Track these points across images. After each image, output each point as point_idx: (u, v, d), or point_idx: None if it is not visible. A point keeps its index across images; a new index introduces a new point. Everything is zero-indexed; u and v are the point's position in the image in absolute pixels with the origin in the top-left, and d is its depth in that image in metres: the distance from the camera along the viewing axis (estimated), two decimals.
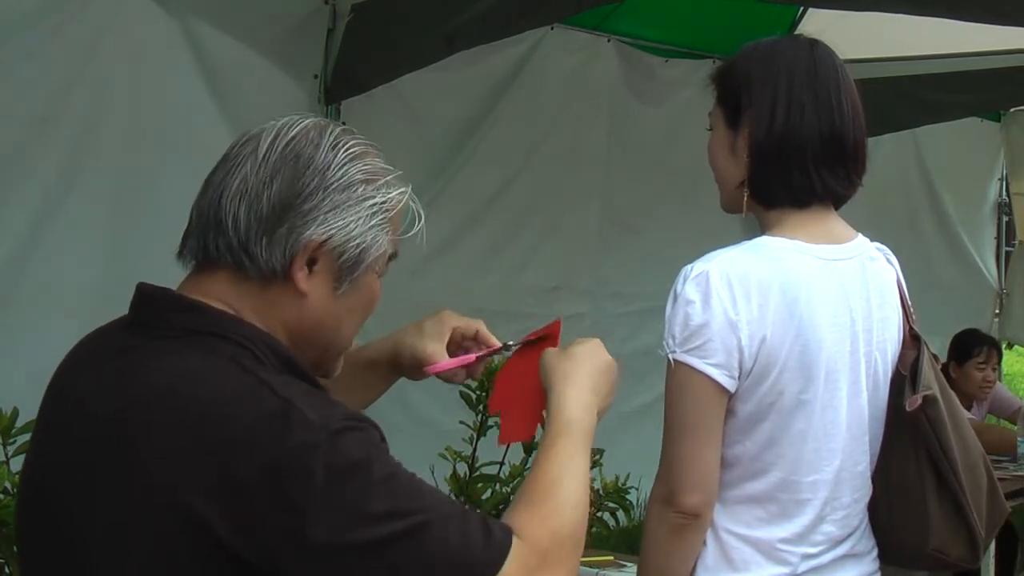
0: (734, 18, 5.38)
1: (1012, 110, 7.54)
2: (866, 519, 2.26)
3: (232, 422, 1.48)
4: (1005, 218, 8.05)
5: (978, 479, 2.28)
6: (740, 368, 2.07)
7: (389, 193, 1.64)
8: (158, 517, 1.48)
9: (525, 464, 4.59)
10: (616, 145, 6.06)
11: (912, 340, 2.25)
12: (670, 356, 2.08)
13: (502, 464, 4.59)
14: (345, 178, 1.61)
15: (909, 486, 2.25)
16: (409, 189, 1.68)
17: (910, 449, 2.23)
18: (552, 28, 5.49)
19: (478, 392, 4.48)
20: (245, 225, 1.58)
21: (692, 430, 2.08)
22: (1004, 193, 8.01)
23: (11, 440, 3.45)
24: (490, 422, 4.54)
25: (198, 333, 1.57)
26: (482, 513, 1.56)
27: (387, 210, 1.64)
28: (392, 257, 1.70)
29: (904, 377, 2.22)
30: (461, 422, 4.28)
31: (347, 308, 1.67)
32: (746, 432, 2.11)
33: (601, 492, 4.70)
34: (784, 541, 2.14)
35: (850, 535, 2.22)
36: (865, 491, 2.24)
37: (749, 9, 5.13)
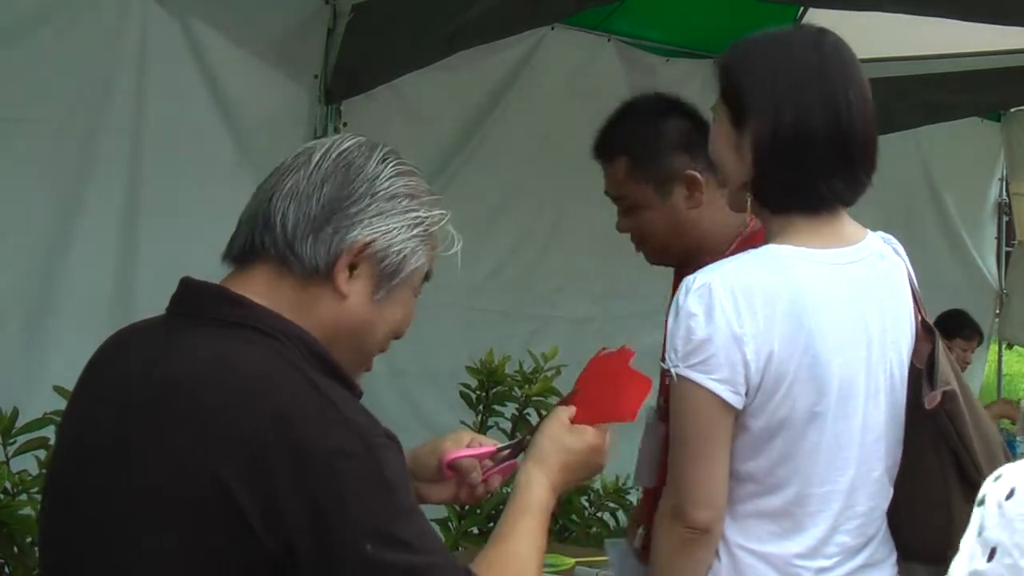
0: (734, 18, 5.37)
1: (1012, 110, 7.53)
2: (884, 526, 2.20)
3: (272, 409, 1.53)
4: (1005, 218, 8.04)
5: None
6: (747, 384, 2.01)
7: (432, 211, 1.72)
8: (190, 488, 1.52)
9: None
10: None
11: (925, 332, 2.19)
12: (673, 371, 2.03)
13: None
14: (392, 188, 1.68)
15: (931, 484, 2.19)
16: (449, 214, 1.75)
17: (930, 445, 2.17)
18: (552, 28, 5.48)
19: (478, 392, 4.49)
20: (293, 223, 1.64)
21: (698, 445, 2.04)
22: (1004, 193, 7.99)
23: (11, 440, 3.45)
24: (490, 422, 4.55)
25: (241, 326, 1.62)
26: (465, 568, 1.61)
27: (428, 225, 1.71)
28: (427, 277, 1.76)
29: (920, 371, 2.16)
30: (462, 422, 4.28)
31: (382, 317, 1.72)
32: (759, 448, 2.06)
33: (601, 492, 4.70)
34: (798, 556, 2.09)
35: (867, 544, 2.16)
36: (881, 497, 2.18)
37: (749, 9, 5.12)
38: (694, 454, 2.04)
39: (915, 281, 2.22)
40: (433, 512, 4.49)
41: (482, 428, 4.51)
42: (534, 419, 4.58)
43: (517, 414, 4.57)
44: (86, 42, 4.08)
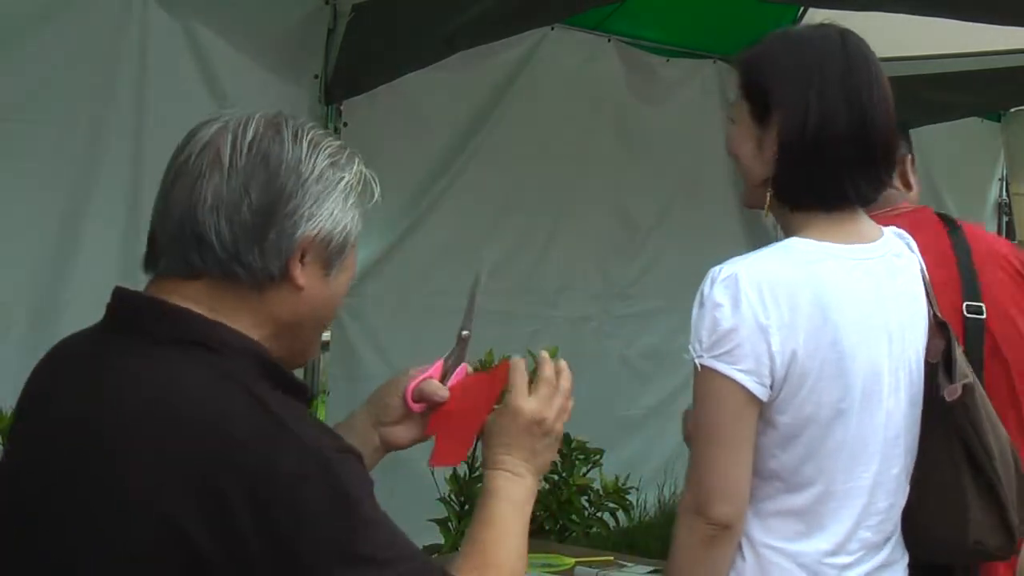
0: (734, 18, 5.37)
1: (1012, 110, 7.53)
2: (899, 526, 2.19)
3: (221, 438, 1.47)
4: (1005, 218, 8.04)
5: (1008, 466, 2.22)
6: (772, 376, 1.99)
7: (352, 168, 1.65)
8: (138, 527, 1.46)
9: None
10: (619, 145, 6.05)
11: (938, 328, 2.18)
12: (697, 361, 2.00)
13: None
14: (317, 167, 1.60)
15: (946, 479, 2.17)
16: (360, 157, 1.69)
17: (943, 441, 2.16)
18: (552, 28, 5.49)
19: None
20: (231, 238, 1.55)
21: (721, 438, 2.01)
22: (1004, 193, 8.00)
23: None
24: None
25: (181, 342, 1.54)
26: (441, 567, 1.59)
27: (355, 185, 1.65)
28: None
29: (933, 366, 2.15)
30: None
31: (337, 289, 1.67)
32: (785, 445, 2.04)
33: (601, 492, 4.70)
34: (823, 553, 2.07)
35: (886, 541, 2.15)
36: (900, 495, 2.17)
37: (749, 9, 5.12)
38: (718, 447, 2.02)
39: (928, 278, 2.22)
40: (433, 512, 4.51)
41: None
42: None
43: None
44: (87, 43, 4.08)
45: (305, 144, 1.60)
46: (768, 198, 2.12)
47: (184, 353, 1.53)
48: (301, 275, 1.59)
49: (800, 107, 2.06)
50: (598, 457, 4.71)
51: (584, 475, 4.61)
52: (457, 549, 4.27)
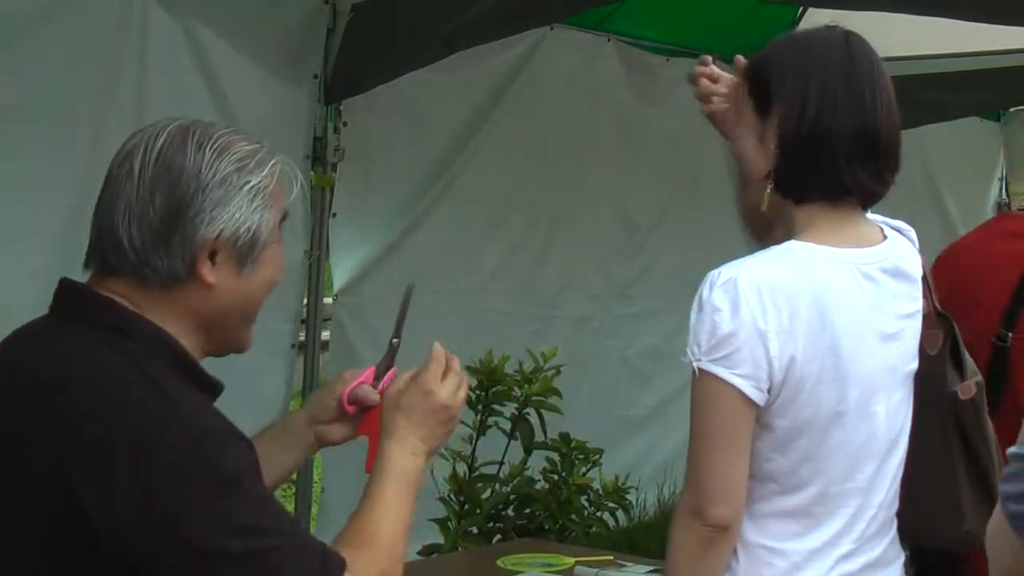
0: (734, 18, 5.37)
1: (1012, 110, 7.54)
2: (895, 525, 2.21)
3: (115, 402, 1.62)
4: None
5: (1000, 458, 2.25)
6: (770, 380, 2.00)
7: (262, 172, 1.76)
8: (37, 483, 1.61)
9: (524, 464, 4.59)
10: (619, 145, 6.05)
11: (939, 320, 2.20)
12: (695, 365, 2.01)
13: (502, 464, 4.60)
14: (218, 174, 1.73)
15: (939, 470, 2.20)
16: (279, 157, 1.80)
17: (940, 432, 2.19)
18: (552, 28, 5.49)
19: (478, 392, 4.49)
20: (140, 242, 1.72)
21: (719, 441, 2.02)
22: (1004, 193, 8.00)
23: None
24: (489, 422, 4.55)
25: (105, 327, 1.71)
26: (322, 545, 1.69)
27: (264, 187, 1.76)
28: (283, 220, 1.82)
29: (932, 358, 2.17)
30: (461, 422, 4.27)
31: (255, 284, 1.79)
32: (783, 449, 2.05)
33: (601, 492, 4.70)
34: (817, 552, 2.09)
35: (881, 540, 2.17)
36: (895, 493, 2.18)
37: (749, 9, 5.13)
38: (715, 450, 2.03)
39: (928, 272, 2.23)
40: (433, 512, 4.52)
41: (482, 428, 4.51)
42: (534, 419, 4.59)
43: (517, 414, 4.57)
44: (87, 43, 4.08)
45: (208, 152, 1.73)
46: (767, 194, 2.13)
47: (102, 336, 1.70)
48: (210, 273, 1.73)
49: (799, 98, 2.08)
50: (597, 457, 4.71)
51: (584, 475, 4.61)
52: (457, 548, 4.26)
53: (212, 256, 1.73)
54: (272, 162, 1.78)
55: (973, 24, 4.40)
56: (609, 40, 5.83)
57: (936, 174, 7.46)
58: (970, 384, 2.16)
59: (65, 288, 1.81)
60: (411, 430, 1.87)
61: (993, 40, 5.23)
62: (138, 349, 1.68)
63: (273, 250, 1.80)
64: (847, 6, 4.20)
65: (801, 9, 5.46)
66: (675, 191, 6.21)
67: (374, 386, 2.03)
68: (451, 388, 1.92)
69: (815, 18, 5.18)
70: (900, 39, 5.32)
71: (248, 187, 1.74)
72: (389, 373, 2.04)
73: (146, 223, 1.71)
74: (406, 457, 1.86)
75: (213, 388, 1.78)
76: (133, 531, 1.57)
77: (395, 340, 2.07)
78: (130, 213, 1.72)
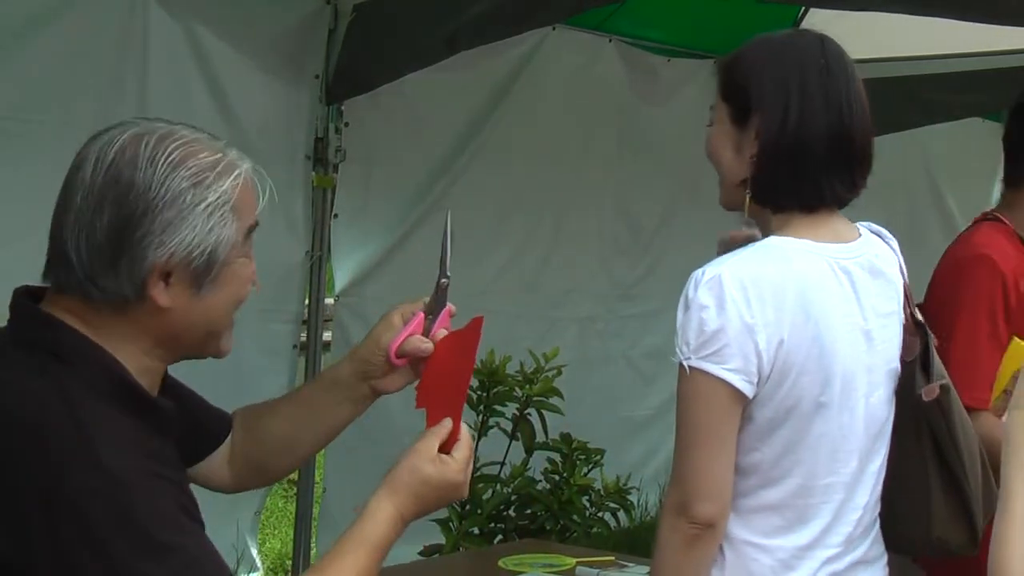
0: (735, 18, 5.37)
1: None
2: (878, 522, 2.23)
3: (27, 442, 1.51)
4: None
5: (976, 465, 2.27)
6: (759, 373, 2.03)
7: (222, 186, 1.63)
8: None
9: (525, 464, 4.60)
10: (621, 145, 6.05)
11: (915, 327, 2.23)
12: (684, 363, 2.03)
13: (503, 464, 4.60)
14: (170, 193, 1.59)
15: (912, 475, 2.22)
16: (245, 166, 1.67)
17: (914, 437, 2.22)
18: (553, 29, 5.48)
19: (479, 392, 4.49)
20: (88, 259, 1.59)
21: (706, 438, 2.04)
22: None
23: None
24: (491, 422, 4.55)
25: (37, 349, 1.59)
26: None
27: (224, 202, 1.63)
28: (251, 231, 1.69)
29: (909, 365, 2.20)
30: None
31: (216, 301, 1.67)
32: (764, 439, 2.07)
33: (602, 492, 4.70)
34: (802, 548, 2.11)
35: (866, 538, 2.19)
36: (878, 492, 2.20)
37: (750, 9, 5.13)
38: (702, 446, 2.05)
39: (906, 276, 2.25)
40: (434, 513, 4.50)
41: (482, 428, 4.51)
42: (535, 419, 4.59)
43: (518, 414, 4.57)
44: (87, 43, 4.08)
45: (161, 167, 1.60)
46: (747, 199, 2.16)
47: (37, 359, 1.58)
48: (162, 295, 1.61)
49: (780, 109, 2.10)
50: (599, 457, 4.71)
51: (585, 475, 4.61)
52: (458, 549, 4.26)
53: (166, 277, 1.62)
54: (236, 172, 1.65)
55: (974, 24, 4.39)
56: (610, 40, 5.83)
57: (936, 174, 7.46)
58: (934, 386, 2.18)
59: (13, 302, 1.69)
60: (413, 511, 1.77)
61: (994, 40, 5.23)
62: (68, 375, 1.56)
63: (236, 266, 1.67)
64: (847, 6, 4.21)
65: (802, 9, 5.46)
66: (678, 191, 6.21)
67: (425, 334, 1.92)
68: (463, 474, 1.81)
69: (816, 18, 5.19)
70: (901, 39, 5.33)
71: (204, 205, 1.61)
72: (444, 312, 1.94)
73: (93, 240, 1.59)
74: (396, 528, 1.75)
75: (154, 412, 1.64)
76: (39, 573, 1.49)
77: (443, 280, 1.95)
78: (79, 226, 1.60)
